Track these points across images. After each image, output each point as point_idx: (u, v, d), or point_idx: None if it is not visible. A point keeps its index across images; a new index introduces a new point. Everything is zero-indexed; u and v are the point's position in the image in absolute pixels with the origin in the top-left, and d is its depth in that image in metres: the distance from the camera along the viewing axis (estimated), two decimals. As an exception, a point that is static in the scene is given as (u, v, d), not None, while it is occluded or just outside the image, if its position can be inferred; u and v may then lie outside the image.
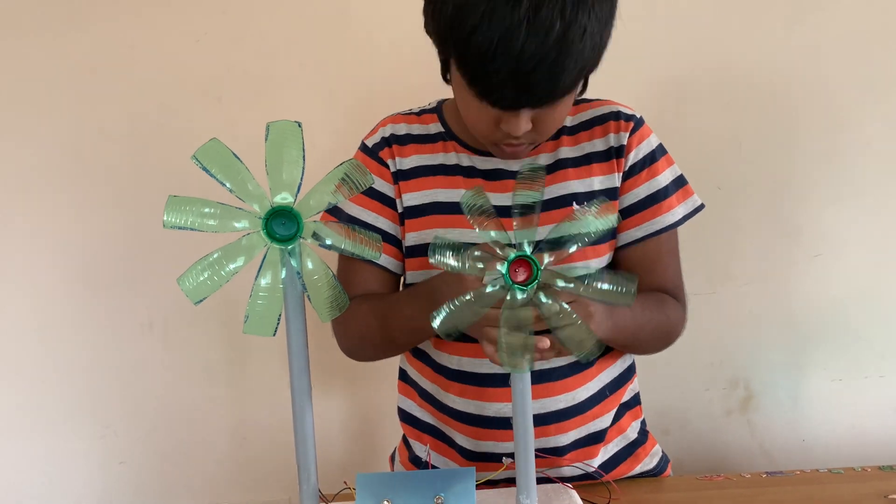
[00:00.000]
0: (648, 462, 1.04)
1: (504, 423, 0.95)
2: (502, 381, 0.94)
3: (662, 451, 1.08)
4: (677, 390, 1.45)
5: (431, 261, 0.71)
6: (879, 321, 1.43)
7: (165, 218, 0.68)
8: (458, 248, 0.72)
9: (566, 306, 0.70)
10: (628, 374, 1.04)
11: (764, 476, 1.00)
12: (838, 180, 1.38)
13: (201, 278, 0.68)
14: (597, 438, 0.98)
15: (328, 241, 0.71)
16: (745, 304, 1.42)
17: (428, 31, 0.85)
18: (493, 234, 0.70)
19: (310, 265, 0.71)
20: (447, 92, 0.97)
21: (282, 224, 0.68)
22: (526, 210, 0.69)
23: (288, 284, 0.71)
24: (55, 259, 1.37)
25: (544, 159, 0.97)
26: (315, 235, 0.70)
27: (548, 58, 0.74)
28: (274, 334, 0.71)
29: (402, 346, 1.03)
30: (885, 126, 1.37)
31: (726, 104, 1.37)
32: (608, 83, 1.33)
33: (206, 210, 0.68)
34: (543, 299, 0.70)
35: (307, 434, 0.74)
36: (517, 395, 0.75)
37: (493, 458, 0.97)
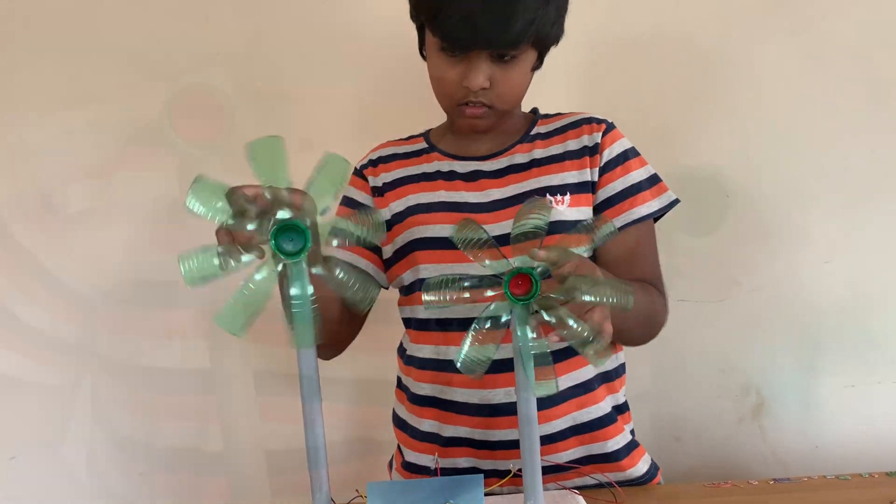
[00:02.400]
0: (641, 466, 1.05)
1: (500, 410, 0.98)
2: (498, 367, 0.95)
3: (651, 459, 1.08)
4: (689, 397, 1.46)
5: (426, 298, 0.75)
6: (891, 326, 1.42)
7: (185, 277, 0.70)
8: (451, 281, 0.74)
9: (572, 322, 0.72)
10: (618, 372, 1.05)
11: (771, 483, 1.00)
12: (846, 186, 1.38)
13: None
14: (591, 427, 1.00)
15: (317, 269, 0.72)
16: (755, 311, 1.43)
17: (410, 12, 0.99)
18: (487, 263, 0.73)
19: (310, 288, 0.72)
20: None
21: (290, 240, 0.70)
22: (530, 236, 0.73)
23: (297, 298, 0.73)
24: (74, 275, 1.41)
25: (520, 159, 1.03)
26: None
27: (498, 1, 0.87)
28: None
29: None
30: (890, 132, 1.37)
31: (733, 111, 1.38)
32: (615, 89, 1.37)
33: (215, 255, 0.71)
34: (546, 317, 0.73)
35: (318, 443, 0.76)
36: (522, 403, 0.77)
37: (497, 447, 1.00)
